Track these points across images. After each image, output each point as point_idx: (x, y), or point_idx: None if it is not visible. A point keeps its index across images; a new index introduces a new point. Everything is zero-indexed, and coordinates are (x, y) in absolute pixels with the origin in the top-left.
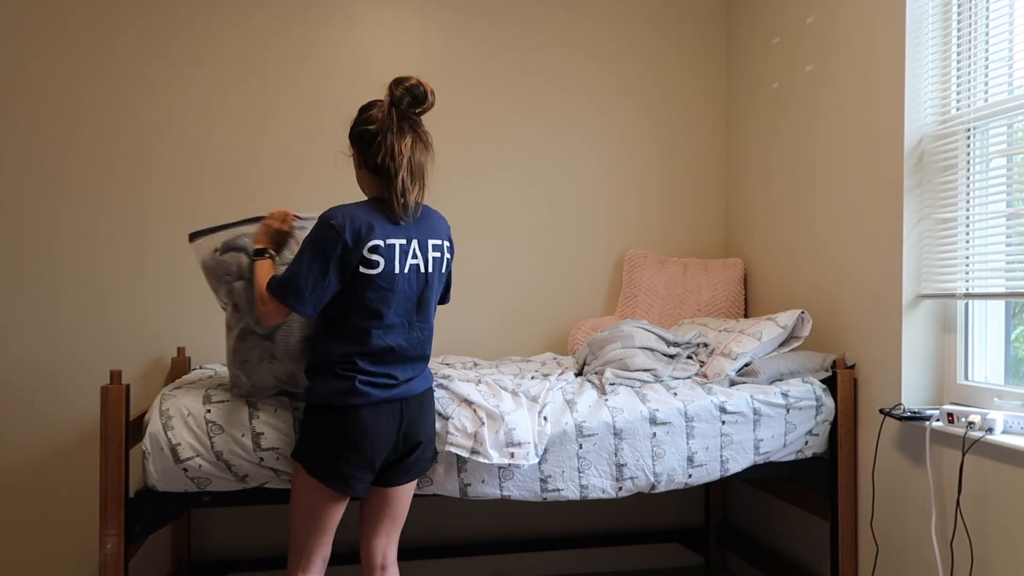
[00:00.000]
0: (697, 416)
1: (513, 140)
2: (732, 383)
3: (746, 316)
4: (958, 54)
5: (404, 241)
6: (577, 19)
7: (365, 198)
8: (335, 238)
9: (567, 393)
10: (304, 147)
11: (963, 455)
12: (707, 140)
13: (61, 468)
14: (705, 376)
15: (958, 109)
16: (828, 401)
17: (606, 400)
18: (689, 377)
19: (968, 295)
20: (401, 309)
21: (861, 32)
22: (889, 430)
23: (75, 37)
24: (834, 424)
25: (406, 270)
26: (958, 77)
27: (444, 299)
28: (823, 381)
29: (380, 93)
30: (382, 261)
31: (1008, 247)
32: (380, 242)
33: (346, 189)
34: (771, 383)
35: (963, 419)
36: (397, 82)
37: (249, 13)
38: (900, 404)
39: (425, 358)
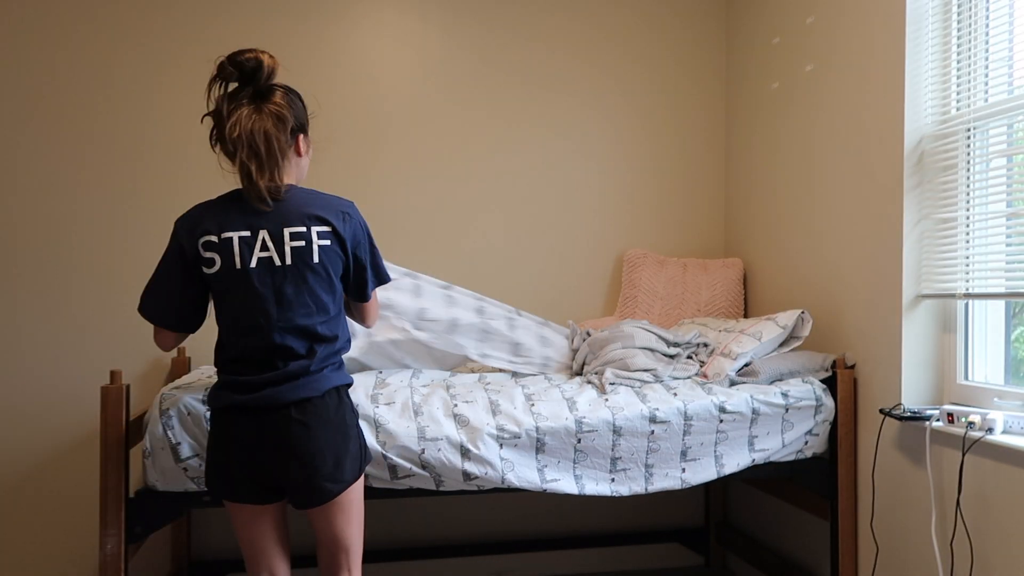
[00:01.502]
0: (696, 416)
1: (512, 141)
2: (732, 383)
3: (746, 316)
4: (958, 54)
5: (248, 233)
6: (576, 20)
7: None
8: (173, 241)
9: (566, 393)
10: None
11: (963, 455)
12: (707, 140)
13: (61, 468)
14: (705, 376)
15: (958, 109)
16: (828, 401)
17: (606, 400)
18: (689, 377)
19: (968, 295)
20: (254, 308)
21: (861, 32)
22: (889, 430)
23: (77, 37)
24: (834, 424)
25: (253, 264)
26: (958, 77)
27: (359, 295)
28: (823, 381)
29: (380, 93)
30: (217, 258)
31: (1008, 247)
32: (214, 237)
33: (347, 188)
34: (771, 383)
35: (963, 419)
36: (229, 56)
37: (250, 15)
38: (900, 404)
39: (299, 358)
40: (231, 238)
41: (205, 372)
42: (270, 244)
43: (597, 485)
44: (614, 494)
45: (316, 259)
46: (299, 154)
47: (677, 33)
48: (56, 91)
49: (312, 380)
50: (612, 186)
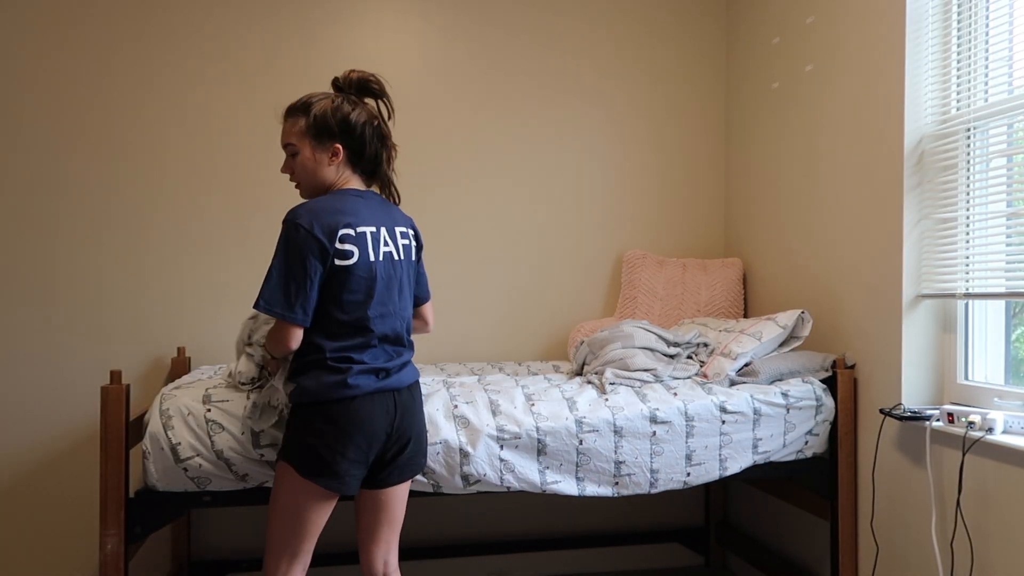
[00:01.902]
0: (697, 415)
1: (512, 141)
2: (732, 383)
3: (745, 316)
4: (958, 54)
5: (375, 229)
6: (576, 20)
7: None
8: (305, 236)
9: (566, 393)
10: None
11: (963, 455)
12: (707, 140)
13: (61, 468)
14: (705, 376)
15: (958, 109)
16: (828, 401)
17: (606, 400)
18: (689, 377)
19: (968, 295)
20: (383, 297)
21: (861, 32)
22: (889, 430)
23: (78, 36)
24: (834, 424)
25: (380, 258)
26: (958, 77)
27: (427, 292)
28: (823, 381)
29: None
30: (356, 250)
31: (1008, 247)
32: (351, 231)
33: None
34: (771, 383)
35: (963, 419)
36: (351, 72)
37: (251, 15)
38: (900, 404)
39: (409, 347)
40: (365, 233)
41: (205, 372)
42: (389, 241)
43: (599, 487)
44: (616, 495)
45: (414, 257)
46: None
47: (677, 33)
48: (56, 91)
49: (414, 366)
50: (612, 186)
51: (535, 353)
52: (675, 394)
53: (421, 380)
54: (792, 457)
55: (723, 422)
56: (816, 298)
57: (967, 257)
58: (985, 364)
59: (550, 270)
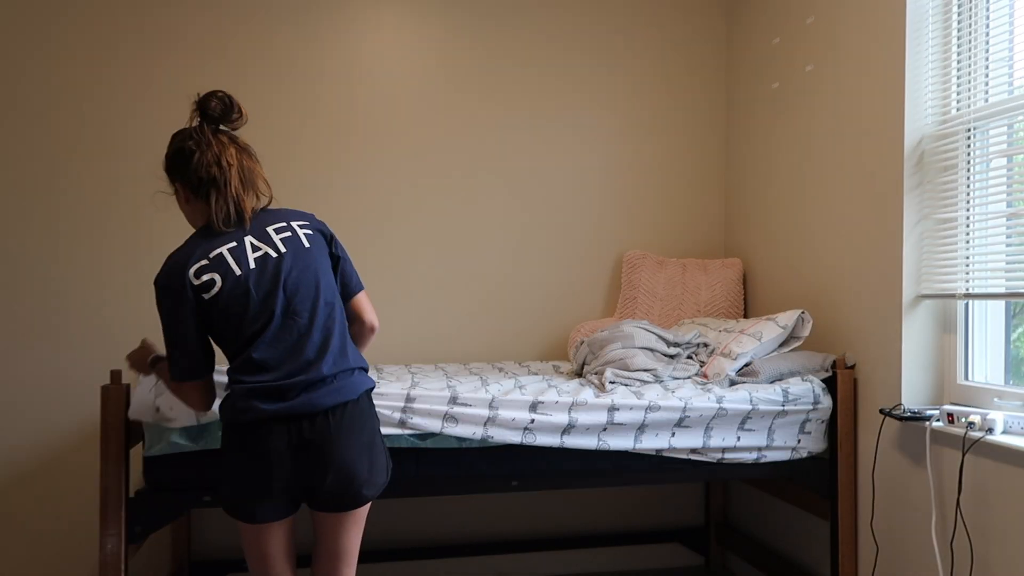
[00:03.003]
0: (694, 411)
1: (512, 140)
2: (732, 383)
3: (745, 316)
4: (958, 54)
5: (235, 243)
6: (576, 20)
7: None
8: (171, 291)
9: (564, 393)
10: (305, 146)
11: (963, 455)
12: (707, 140)
13: (61, 468)
14: (705, 376)
15: (958, 109)
16: (827, 400)
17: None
18: (689, 377)
19: (968, 295)
20: (260, 312)
21: (861, 32)
22: (889, 430)
23: (78, 36)
24: (834, 424)
25: (252, 266)
26: (958, 77)
27: (354, 285)
28: (823, 381)
29: (380, 91)
30: (217, 277)
31: (1008, 247)
32: (204, 261)
33: (347, 186)
34: (771, 383)
35: (963, 419)
36: (205, 97)
37: (250, 15)
38: (900, 404)
39: (331, 362)
40: (221, 253)
41: None
42: (260, 244)
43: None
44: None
45: (308, 244)
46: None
47: (677, 33)
48: (57, 90)
49: (348, 384)
50: (612, 186)
51: (535, 353)
52: (673, 392)
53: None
54: (791, 457)
55: (721, 432)
56: (816, 298)
57: (967, 257)
58: (985, 364)
59: (550, 270)
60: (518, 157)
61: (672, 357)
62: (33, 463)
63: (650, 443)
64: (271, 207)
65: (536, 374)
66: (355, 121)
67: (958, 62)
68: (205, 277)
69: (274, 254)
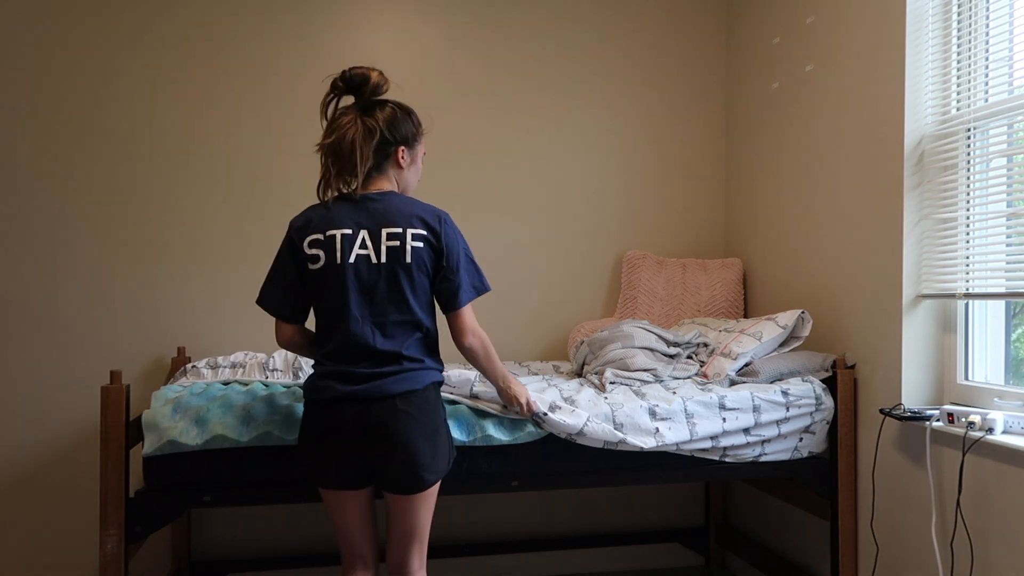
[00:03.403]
0: (696, 412)
1: (512, 141)
2: (732, 383)
3: (746, 316)
4: (958, 54)
5: (350, 231)
6: (576, 20)
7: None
8: (286, 239)
9: (564, 392)
10: (305, 146)
11: (963, 455)
12: (707, 140)
13: (61, 468)
14: (705, 376)
15: (958, 109)
16: (828, 400)
17: (605, 398)
18: (689, 377)
19: (968, 295)
20: (345, 304)
21: (861, 32)
22: (889, 430)
23: (81, 37)
24: (834, 424)
25: (352, 260)
26: (958, 77)
27: (450, 302)
28: (823, 381)
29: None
30: (323, 256)
31: (1008, 247)
32: (319, 235)
33: None
34: (771, 383)
35: (963, 419)
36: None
37: (250, 15)
38: (900, 404)
39: (402, 356)
40: (335, 236)
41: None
42: (368, 243)
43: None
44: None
45: (410, 259)
46: (399, 166)
47: (677, 33)
48: (56, 91)
49: (415, 375)
50: (612, 186)
51: (535, 353)
52: (673, 392)
53: None
54: (791, 456)
55: (724, 420)
56: (816, 298)
57: (967, 257)
58: (985, 364)
59: (550, 271)
60: (518, 157)
61: (672, 357)
62: (33, 463)
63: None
64: (402, 197)
65: (536, 374)
66: None
67: (958, 62)
68: (313, 251)
69: (374, 260)
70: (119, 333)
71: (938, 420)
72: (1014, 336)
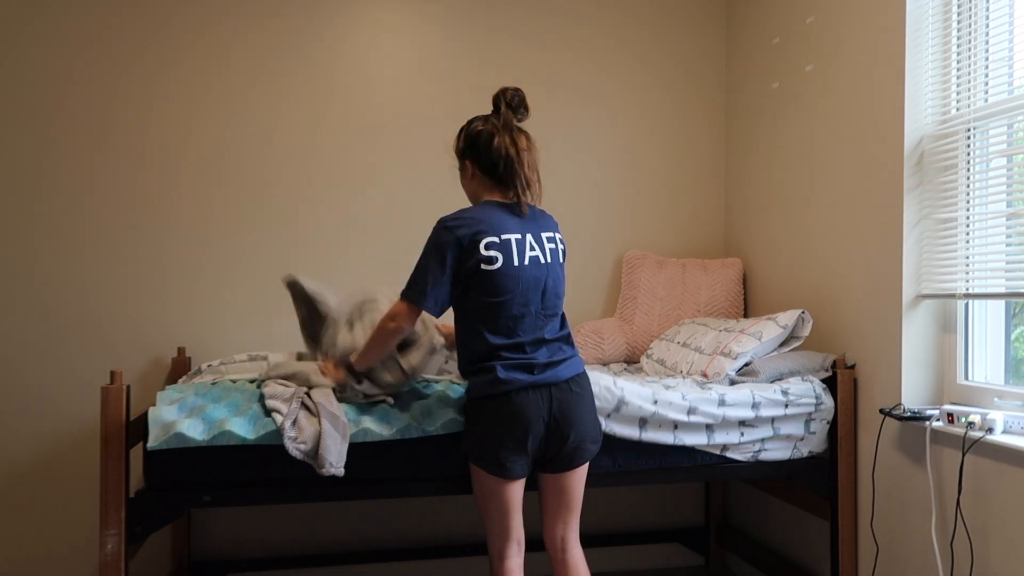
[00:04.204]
0: (697, 409)
1: None
2: (732, 382)
3: (745, 316)
4: (958, 54)
5: (519, 235)
6: (576, 20)
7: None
8: (449, 239)
9: None
10: (305, 145)
11: (963, 455)
12: (706, 140)
13: (61, 468)
14: (705, 375)
15: (958, 109)
16: (828, 400)
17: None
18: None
19: (968, 295)
20: (529, 298)
21: (861, 32)
22: (889, 430)
23: (75, 36)
24: (834, 424)
25: (526, 262)
26: (958, 77)
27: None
28: (823, 381)
29: (379, 92)
30: (500, 256)
31: (1008, 247)
32: (495, 238)
33: (346, 186)
34: (771, 382)
35: (963, 419)
36: (503, 90)
37: (251, 16)
38: (900, 404)
39: (564, 343)
40: (509, 240)
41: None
42: (535, 245)
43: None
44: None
45: (562, 260)
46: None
47: (677, 33)
48: (56, 93)
49: (577, 360)
50: (611, 187)
51: None
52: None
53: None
54: (790, 456)
55: (724, 417)
56: (816, 298)
57: (967, 257)
58: (985, 364)
59: None
60: None
61: None
62: (33, 463)
63: (654, 437)
64: (538, 208)
65: None
66: (353, 124)
67: (958, 62)
68: (491, 252)
69: (542, 260)
70: (119, 333)
71: (938, 420)
72: (1014, 336)
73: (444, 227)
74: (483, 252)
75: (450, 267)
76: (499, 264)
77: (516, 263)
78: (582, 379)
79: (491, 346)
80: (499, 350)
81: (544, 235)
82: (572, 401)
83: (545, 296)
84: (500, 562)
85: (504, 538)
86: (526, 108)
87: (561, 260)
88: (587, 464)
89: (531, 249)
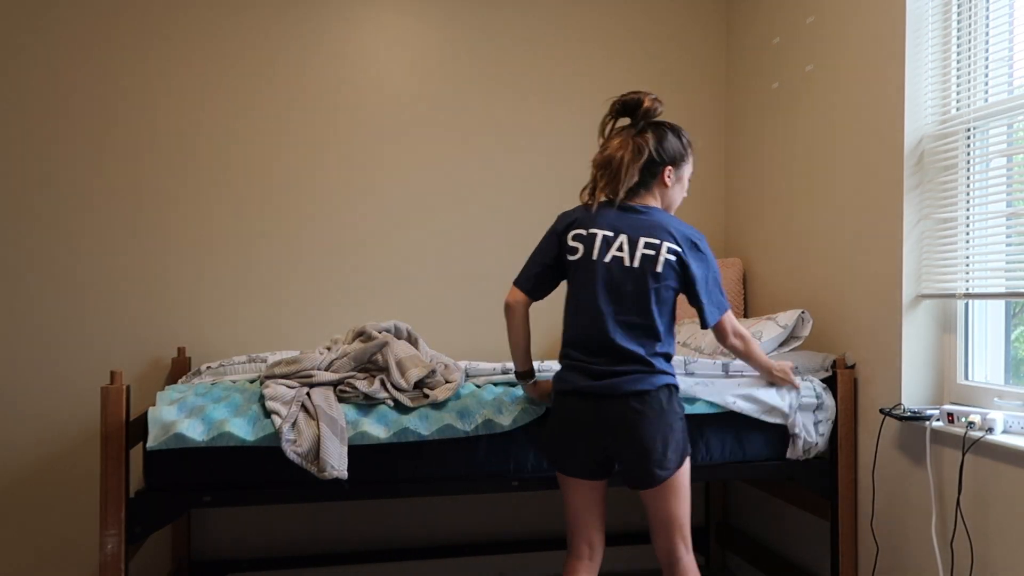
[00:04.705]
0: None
1: (512, 141)
2: None
3: (745, 316)
4: (958, 54)
5: (611, 233)
6: (576, 19)
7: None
8: (552, 227)
9: None
10: (304, 145)
11: (963, 455)
12: (707, 140)
13: (61, 468)
14: None
15: (958, 109)
16: (828, 400)
17: None
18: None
19: (968, 295)
20: (593, 301)
21: (861, 32)
22: (889, 430)
23: (76, 34)
24: (834, 424)
25: (607, 259)
26: (958, 77)
27: (701, 320)
28: (823, 381)
29: (379, 93)
30: (582, 249)
31: (1008, 247)
32: (582, 230)
33: (347, 186)
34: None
35: (963, 419)
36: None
37: (251, 16)
38: (900, 404)
39: (638, 357)
40: (596, 234)
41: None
42: (626, 247)
43: None
44: None
45: (661, 268)
46: (664, 184)
47: (677, 33)
48: (57, 92)
49: (651, 377)
50: None
51: (535, 353)
52: None
53: None
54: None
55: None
56: (816, 298)
57: (967, 257)
58: (985, 364)
59: None
60: (519, 156)
61: None
62: (33, 463)
63: None
64: (664, 213)
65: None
66: (352, 125)
67: (958, 62)
68: (574, 244)
69: (627, 263)
70: (119, 333)
71: (938, 420)
72: (1014, 336)
73: (558, 218)
74: (569, 243)
75: (547, 253)
76: (579, 255)
77: (595, 257)
78: (650, 397)
79: (564, 341)
80: (566, 342)
81: (644, 240)
82: (628, 417)
83: (622, 300)
84: (567, 555)
85: (570, 532)
86: (640, 112)
87: (657, 269)
88: (672, 485)
89: (618, 250)
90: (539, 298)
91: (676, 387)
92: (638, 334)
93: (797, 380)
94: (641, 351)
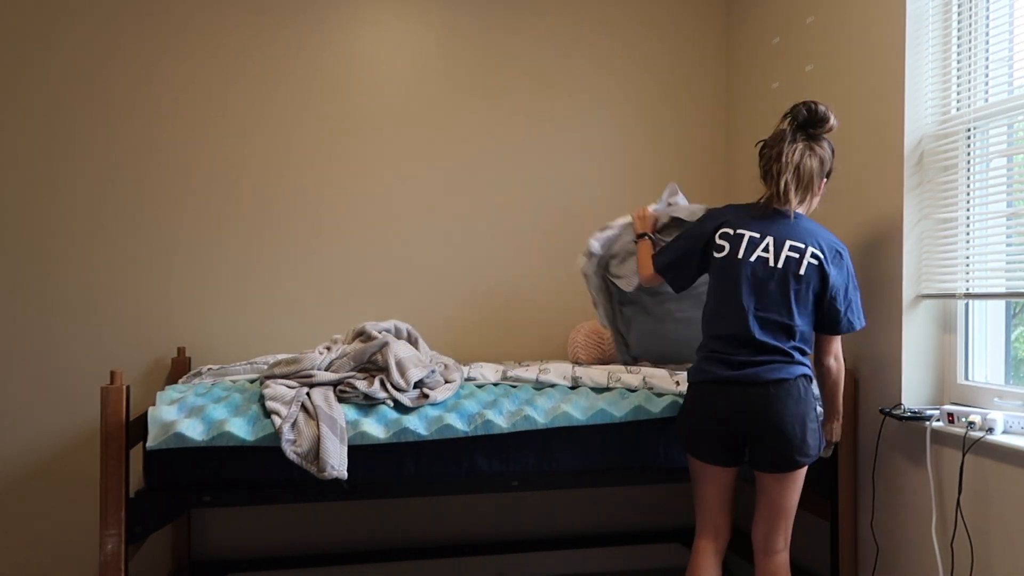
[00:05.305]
0: None
1: (512, 140)
2: None
3: None
4: (958, 54)
5: (757, 235)
6: (576, 19)
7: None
8: (700, 223)
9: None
10: (303, 144)
11: (963, 455)
12: (707, 140)
13: (61, 468)
14: None
15: (958, 109)
16: None
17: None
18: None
19: (968, 295)
20: (742, 294)
21: (861, 32)
22: (889, 430)
23: (75, 34)
24: None
25: (752, 259)
26: (958, 77)
27: (829, 329)
28: None
29: (380, 92)
30: (727, 248)
31: (1008, 247)
32: (730, 230)
33: (347, 186)
34: None
35: (963, 419)
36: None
37: (251, 16)
38: (900, 404)
39: (777, 349)
40: (743, 235)
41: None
42: (771, 248)
43: None
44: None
45: (803, 271)
46: (816, 193)
47: (677, 33)
48: (57, 92)
49: (787, 367)
50: (612, 186)
51: (535, 353)
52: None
53: None
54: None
55: None
56: None
57: (967, 257)
58: (985, 364)
59: (550, 271)
60: (519, 157)
61: None
62: (33, 463)
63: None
64: (811, 221)
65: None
66: (353, 124)
67: (958, 62)
68: (720, 241)
69: (771, 263)
70: (119, 333)
71: (938, 420)
72: (1014, 336)
73: (707, 211)
74: (716, 240)
75: (694, 248)
76: (724, 253)
77: (740, 256)
78: (789, 385)
79: (705, 334)
80: (709, 336)
81: (789, 243)
82: (770, 404)
83: (765, 298)
84: (696, 537)
85: (699, 516)
86: (820, 121)
87: (799, 271)
88: (796, 475)
89: (764, 251)
90: (676, 287)
91: (811, 378)
92: (777, 330)
93: (833, 438)
94: (780, 344)
